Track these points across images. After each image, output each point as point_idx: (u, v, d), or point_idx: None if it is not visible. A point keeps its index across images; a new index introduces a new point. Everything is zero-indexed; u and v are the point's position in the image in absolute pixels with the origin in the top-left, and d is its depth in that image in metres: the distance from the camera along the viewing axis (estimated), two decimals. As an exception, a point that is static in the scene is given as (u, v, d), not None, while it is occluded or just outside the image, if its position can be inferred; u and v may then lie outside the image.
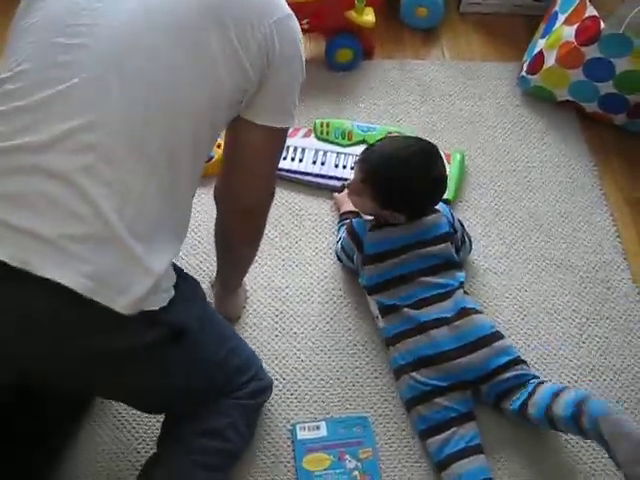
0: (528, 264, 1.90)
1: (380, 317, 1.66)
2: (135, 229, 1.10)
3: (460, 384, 1.54)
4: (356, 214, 1.86)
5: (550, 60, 2.15)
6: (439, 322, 1.58)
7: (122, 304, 1.07)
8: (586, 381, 1.70)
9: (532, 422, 1.52)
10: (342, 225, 1.86)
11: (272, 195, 1.43)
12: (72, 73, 1.10)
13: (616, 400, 1.67)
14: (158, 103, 1.13)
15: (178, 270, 1.25)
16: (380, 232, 1.70)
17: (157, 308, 1.13)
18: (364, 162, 1.68)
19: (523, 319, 1.80)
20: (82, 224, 1.06)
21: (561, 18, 2.16)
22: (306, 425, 1.59)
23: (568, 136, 2.21)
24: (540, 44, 2.22)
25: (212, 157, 2.00)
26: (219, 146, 2.02)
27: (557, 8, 2.22)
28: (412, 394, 1.56)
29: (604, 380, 1.71)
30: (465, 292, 1.68)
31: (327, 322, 1.77)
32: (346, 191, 1.92)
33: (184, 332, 1.19)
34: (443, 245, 1.68)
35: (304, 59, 1.30)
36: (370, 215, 1.75)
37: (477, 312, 1.62)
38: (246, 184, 1.37)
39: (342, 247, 1.78)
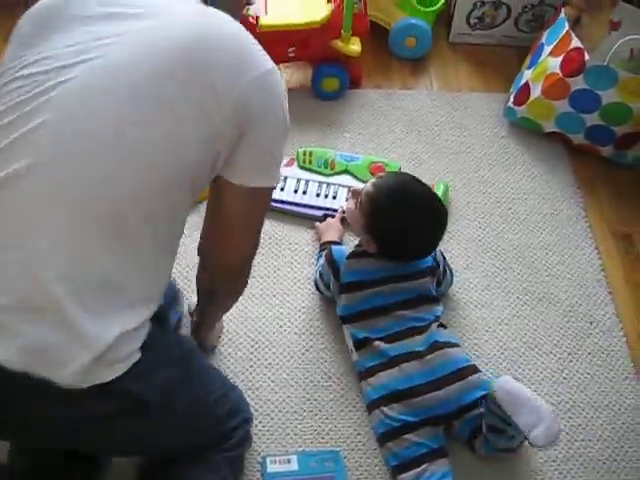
0: (510, 297, 1.88)
1: (354, 350, 1.64)
2: (79, 298, 1.06)
3: (432, 419, 1.51)
4: (337, 244, 1.85)
5: (536, 91, 2.15)
6: (410, 356, 1.56)
7: (62, 377, 1.05)
8: (566, 417, 1.67)
9: (500, 451, 1.52)
10: (322, 255, 1.84)
11: (256, 249, 1.38)
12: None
13: (596, 438, 1.64)
14: (114, 168, 1.08)
15: (158, 328, 1.22)
16: (358, 261, 1.69)
17: (109, 379, 1.09)
18: (373, 201, 1.64)
19: (503, 353, 1.76)
20: (17, 292, 1.05)
21: (547, 49, 2.16)
22: (277, 458, 1.56)
23: (555, 167, 2.20)
24: (526, 75, 2.21)
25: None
26: None
27: (543, 40, 2.22)
28: (383, 429, 1.53)
29: (584, 417, 1.67)
30: (442, 325, 1.65)
31: (302, 353, 1.74)
32: (328, 220, 1.92)
33: (145, 403, 1.16)
34: (422, 280, 1.67)
35: (287, 115, 1.23)
36: (357, 232, 1.74)
37: (451, 346, 1.59)
38: (229, 243, 1.33)
39: (320, 275, 1.77)
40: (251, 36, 1.21)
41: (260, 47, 1.21)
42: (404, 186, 1.66)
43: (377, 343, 1.59)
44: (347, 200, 1.86)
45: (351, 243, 1.86)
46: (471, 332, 1.79)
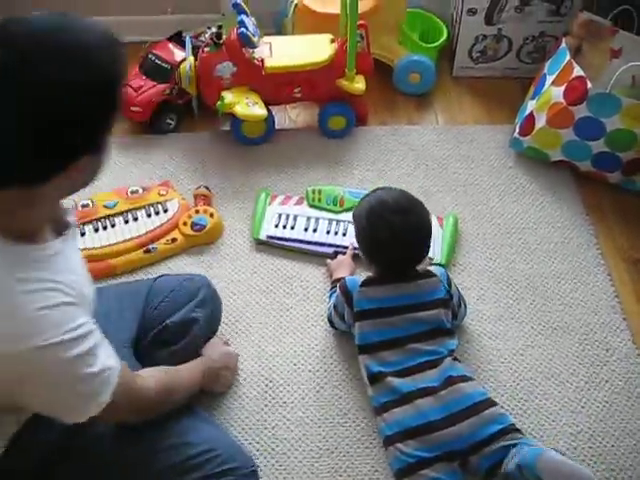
0: (524, 327, 1.87)
1: (368, 385, 1.63)
2: None
3: (448, 455, 1.49)
4: None
5: (541, 121, 2.16)
6: (425, 392, 1.55)
7: None
8: (586, 448, 1.64)
9: None
10: (334, 292, 1.84)
11: (139, 411, 1.35)
12: None
13: (619, 467, 1.61)
14: None
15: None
16: (370, 289, 1.69)
17: None
18: (355, 222, 1.75)
19: (519, 384, 1.75)
20: None
21: (549, 79, 2.18)
22: (294, 498, 1.55)
23: (563, 196, 2.20)
24: (530, 105, 2.23)
25: (205, 225, 2.02)
26: (211, 215, 2.04)
27: (545, 70, 2.24)
28: (399, 466, 1.51)
29: (605, 446, 1.65)
30: (456, 359, 1.64)
31: (317, 391, 1.73)
32: (339, 257, 1.93)
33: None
34: (436, 311, 1.66)
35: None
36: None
37: (465, 380, 1.58)
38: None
39: (334, 307, 1.76)
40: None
41: None
42: (375, 198, 1.72)
43: (390, 379, 1.58)
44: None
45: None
46: (486, 364, 1.78)
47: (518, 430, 1.54)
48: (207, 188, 2.15)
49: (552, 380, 1.76)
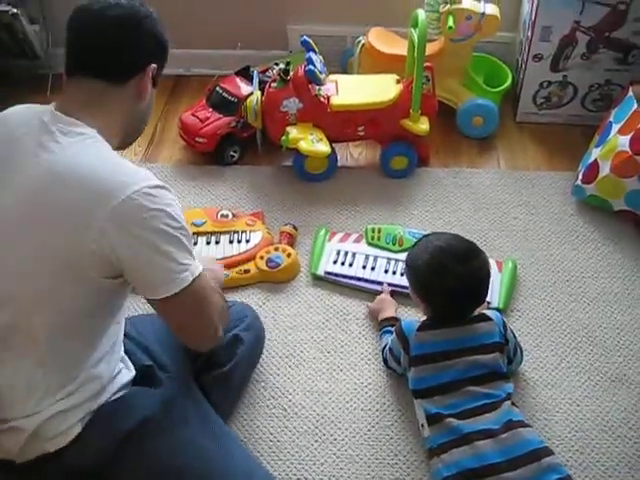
0: (581, 377, 1.83)
1: (425, 426, 1.61)
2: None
3: None
4: (395, 320, 1.85)
5: (605, 169, 2.14)
6: (484, 434, 1.52)
7: (9, 454, 1.32)
8: (643, 506, 1.60)
9: None
10: (384, 332, 1.85)
11: (216, 328, 1.42)
12: None
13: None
14: None
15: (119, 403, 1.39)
16: (427, 333, 1.67)
17: (49, 451, 1.31)
18: (407, 266, 1.75)
19: (575, 435, 1.71)
20: None
21: (615, 127, 2.16)
22: (341, 537, 1.54)
23: (625, 246, 2.17)
24: (595, 153, 2.21)
25: (280, 264, 2.05)
26: (289, 255, 2.06)
27: (611, 118, 2.23)
28: None
29: (662, 506, 1.60)
30: (513, 404, 1.62)
31: (369, 430, 1.72)
32: (379, 297, 1.96)
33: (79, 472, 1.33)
34: (492, 355, 1.64)
35: (167, 223, 1.25)
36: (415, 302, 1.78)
37: (524, 425, 1.55)
38: (186, 340, 1.44)
39: (390, 349, 1.76)
40: (111, 161, 1.28)
41: (124, 166, 1.28)
42: (433, 246, 1.69)
43: (449, 420, 1.55)
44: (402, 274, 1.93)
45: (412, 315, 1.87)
46: (541, 412, 1.75)
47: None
48: (294, 227, 2.18)
49: (609, 434, 1.72)
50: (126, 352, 1.51)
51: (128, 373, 1.47)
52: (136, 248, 1.23)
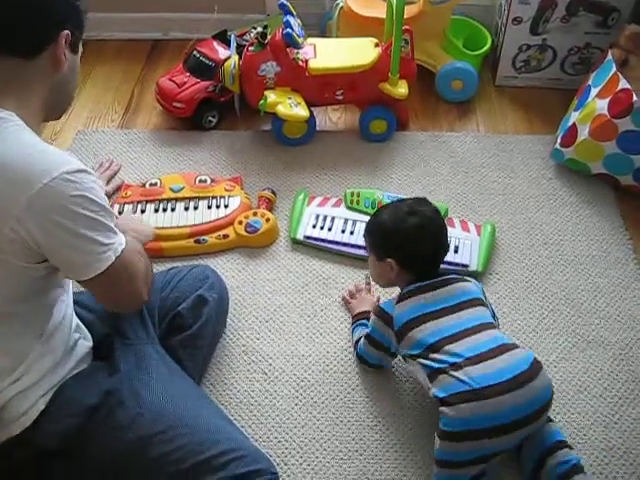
0: (558, 339, 1.85)
1: (429, 384, 1.56)
2: None
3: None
4: (369, 314, 1.82)
5: (584, 133, 2.14)
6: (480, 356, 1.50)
7: None
8: (618, 465, 1.62)
9: None
10: (358, 324, 1.83)
11: (142, 295, 1.43)
12: None
13: (651, 487, 1.60)
14: None
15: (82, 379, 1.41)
16: (406, 302, 1.63)
17: (11, 435, 1.34)
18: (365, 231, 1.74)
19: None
20: None
21: (594, 91, 2.16)
22: (321, 498, 1.55)
23: (603, 209, 2.18)
24: (574, 117, 2.22)
25: (258, 229, 2.04)
26: (267, 220, 2.05)
27: (590, 82, 2.23)
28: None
29: (638, 463, 1.62)
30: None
31: (348, 392, 1.74)
32: (364, 294, 1.92)
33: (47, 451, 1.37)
34: (480, 307, 1.62)
35: (91, 199, 1.23)
36: (385, 283, 1.75)
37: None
38: (112, 308, 1.49)
39: (368, 337, 1.71)
40: (28, 148, 1.22)
41: (42, 152, 1.22)
42: (386, 210, 1.71)
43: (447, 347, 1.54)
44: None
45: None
46: (519, 374, 1.77)
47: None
48: (273, 192, 2.17)
49: (585, 394, 1.74)
50: (85, 323, 1.52)
51: (85, 344, 1.48)
52: (55, 235, 1.22)
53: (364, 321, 1.81)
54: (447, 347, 1.53)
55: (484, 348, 1.51)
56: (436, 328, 1.57)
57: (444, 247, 1.69)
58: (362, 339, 1.74)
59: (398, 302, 1.64)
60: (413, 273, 1.66)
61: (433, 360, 1.53)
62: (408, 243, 1.65)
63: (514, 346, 1.54)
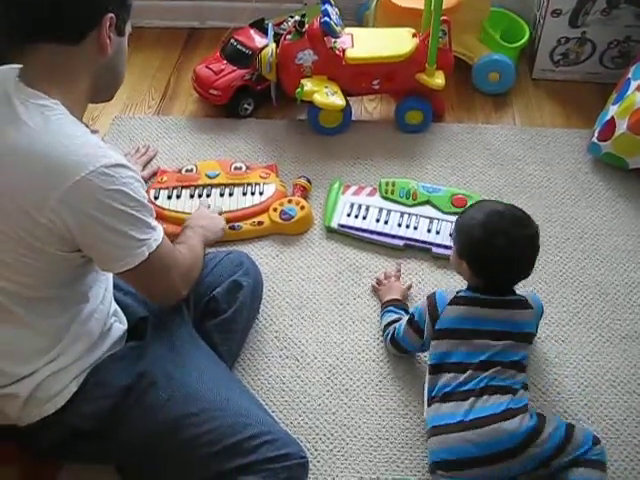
0: (592, 333, 1.84)
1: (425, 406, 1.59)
2: None
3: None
4: (399, 302, 1.84)
5: (622, 127, 2.12)
6: (457, 425, 1.49)
7: (10, 420, 1.38)
8: (650, 460, 1.61)
9: None
10: (387, 311, 1.82)
11: (181, 288, 1.48)
12: None
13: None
14: None
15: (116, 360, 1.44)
16: (457, 308, 1.60)
17: (46, 415, 1.36)
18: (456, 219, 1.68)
19: (584, 390, 1.72)
20: None
21: (634, 84, 2.14)
22: (351, 484, 1.56)
23: (639, 204, 2.16)
24: (612, 111, 2.19)
25: (293, 216, 2.05)
26: (302, 207, 2.06)
27: (630, 75, 2.20)
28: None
29: (670, 460, 1.62)
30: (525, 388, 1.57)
31: (380, 380, 1.74)
32: (393, 280, 1.92)
33: (81, 431, 1.39)
34: (521, 344, 1.58)
35: (128, 193, 1.24)
36: (457, 273, 1.71)
37: (508, 417, 1.48)
38: (149, 299, 1.53)
39: (412, 321, 1.68)
40: (69, 139, 1.21)
41: (83, 144, 1.22)
42: (490, 209, 1.62)
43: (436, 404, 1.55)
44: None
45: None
46: (551, 367, 1.76)
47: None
48: (308, 180, 2.18)
49: (618, 389, 1.73)
50: (122, 306, 1.54)
51: (120, 327, 1.50)
52: (90, 228, 1.23)
53: (392, 308, 1.82)
54: (455, 374, 1.55)
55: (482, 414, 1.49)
56: (462, 351, 1.56)
57: (524, 273, 1.64)
58: (404, 323, 1.71)
59: (451, 303, 1.61)
60: (482, 283, 1.62)
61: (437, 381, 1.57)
62: (487, 261, 1.59)
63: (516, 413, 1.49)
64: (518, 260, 1.60)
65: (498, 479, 1.46)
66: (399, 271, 1.94)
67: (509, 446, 1.45)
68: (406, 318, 1.71)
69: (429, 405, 1.57)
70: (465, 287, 1.66)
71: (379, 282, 1.93)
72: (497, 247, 1.55)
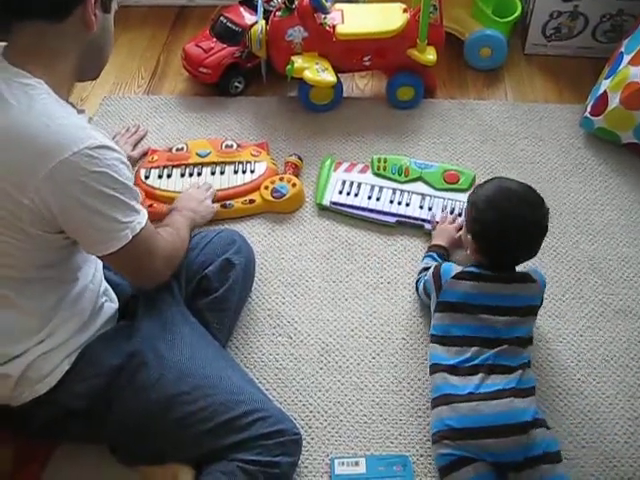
0: (585, 308, 1.84)
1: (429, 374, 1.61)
2: None
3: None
4: (444, 249, 1.86)
5: (614, 101, 2.11)
6: (466, 397, 1.49)
7: (2, 400, 1.37)
8: (643, 434, 1.62)
9: None
10: (427, 256, 1.86)
11: (164, 270, 1.50)
12: None
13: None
14: None
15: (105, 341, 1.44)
16: (462, 282, 1.61)
17: (37, 395, 1.36)
18: (472, 200, 1.66)
19: (577, 364, 1.73)
20: None
21: (626, 59, 2.12)
22: (345, 460, 1.56)
23: (632, 179, 2.16)
24: (604, 85, 2.18)
25: (284, 194, 2.04)
26: (294, 185, 2.04)
27: (623, 49, 2.19)
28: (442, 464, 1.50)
29: (662, 433, 1.62)
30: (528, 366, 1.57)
31: (373, 357, 1.74)
32: (445, 225, 1.94)
33: (73, 410, 1.39)
34: (525, 318, 1.59)
35: (112, 175, 1.24)
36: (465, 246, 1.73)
37: (525, 395, 1.50)
38: (130, 281, 1.54)
39: (424, 284, 1.74)
40: (53, 120, 1.20)
41: (67, 125, 1.21)
42: (502, 184, 1.64)
43: (443, 374, 1.54)
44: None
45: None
46: (545, 342, 1.76)
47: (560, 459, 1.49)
48: (299, 157, 2.16)
49: (611, 363, 1.73)
50: (112, 284, 1.54)
51: (111, 306, 1.50)
52: (73, 210, 1.22)
53: (432, 254, 1.85)
54: (460, 348, 1.56)
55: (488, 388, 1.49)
56: (466, 324, 1.58)
57: (529, 254, 1.65)
58: (422, 278, 1.77)
59: (456, 277, 1.62)
60: (487, 260, 1.63)
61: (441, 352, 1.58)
62: (491, 240, 1.61)
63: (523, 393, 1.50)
64: (524, 241, 1.61)
65: (502, 456, 1.45)
66: (460, 215, 1.96)
67: (520, 420, 1.45)
68: (423, 280, 1.75)
69: (432, 374, 1.58)
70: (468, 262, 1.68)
71: (438, 222, 1.96)
72: (504, 227, 1.57)
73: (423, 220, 2.00)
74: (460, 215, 1.97)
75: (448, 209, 2.01)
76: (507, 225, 1.57)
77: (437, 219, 1.98)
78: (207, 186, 2.01)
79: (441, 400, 1.52)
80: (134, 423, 1.41)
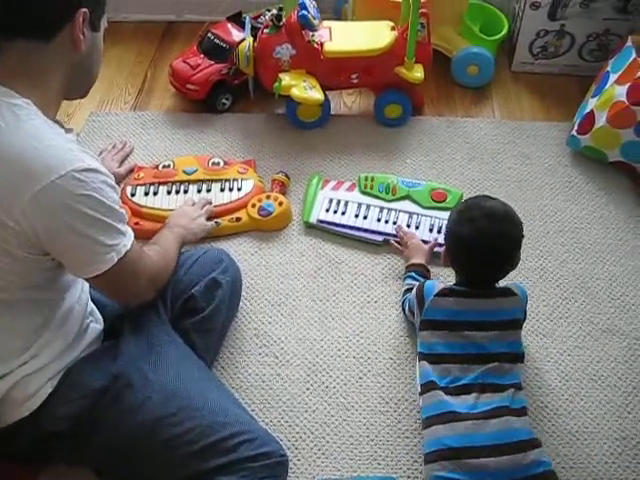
0: (572, 327, 1.84)
1: (419, 394, 1.59)
2: None
3: None
4: (423, 267, 1.86)
5: (601, 120, 2.12)
6: (468, 415, 1.48)
7: None
8: (631, 454, 1.60)
9: None
10: (408, 276, 1.85)
11: (149, 290, 1.50)
12: None
13: (664, 476, 1.58)
14: None
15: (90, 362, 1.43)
16: (444, 299, 1.61)
17: (21, 417, 1.35)
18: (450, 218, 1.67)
19: (565, 384, 1.72)
20: None
21: (613, 78, 2.13)
22: (332, 482, 1.54)
23: (619, 198, 2.16)
24: (591, 103, 2.19)
25: (271, 212, 2.03)
26: (280, 203, 2.03)
27: (609, 68, 2.20)
28: None
29: (651, 454, 1.62)
30: (520, 388, 1.56)
31: (360, 377, 1.73)
32: (416, 241, 1.94)
33: (55, 433, 1.38)
34: (509, 332, 1.59)
35: (98, 199, 1.22)
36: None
37: (519, 414, 1.50)
38: (113, 300, 1.54)
39: (410, 300, 1.74)
40: (40, 142, 1.19)
41: (54, 147, 1.20)
42: (473, 201, 1.66)
43: (439, 392, 1.52)
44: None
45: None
46: (532, 361, 1.76)
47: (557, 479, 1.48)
48: (286, 175, 2.15)
49: (599, 383, 1.73)
50: (98, 305, 1.53)
51: (97, 327, 1.49)
52: (59, 233, 1.22)
53: (413, 274, 1.84)
54: (448, 366, 1.55)
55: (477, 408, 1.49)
56: (451, 342, 1.58)
57: (504, 268, 1.64)
58: (407, 297, 1.77)
59: (438, 294, 1.62)
60: (465, 277, 1.65)
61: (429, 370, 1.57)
62: (461, 252, 1.63)
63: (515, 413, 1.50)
64: (489, 253, 1.59)
65: (501, 476, 1.42)
66: (437, 244, 1.94)
67: (520, 438, 1.45)
68: (407, 299, 1.76)
69: (423, 393, 1.56)
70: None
71: (401, 240, 1.95)
72: (468, 237, 1.57)
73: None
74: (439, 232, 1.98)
75: (435, 228, 2.01)
76: (471, 236, 1.57)
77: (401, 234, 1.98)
78: (203, 202, 2.00)
79: (436, 419, 1.50)
80: (119, 445, 1.39)
